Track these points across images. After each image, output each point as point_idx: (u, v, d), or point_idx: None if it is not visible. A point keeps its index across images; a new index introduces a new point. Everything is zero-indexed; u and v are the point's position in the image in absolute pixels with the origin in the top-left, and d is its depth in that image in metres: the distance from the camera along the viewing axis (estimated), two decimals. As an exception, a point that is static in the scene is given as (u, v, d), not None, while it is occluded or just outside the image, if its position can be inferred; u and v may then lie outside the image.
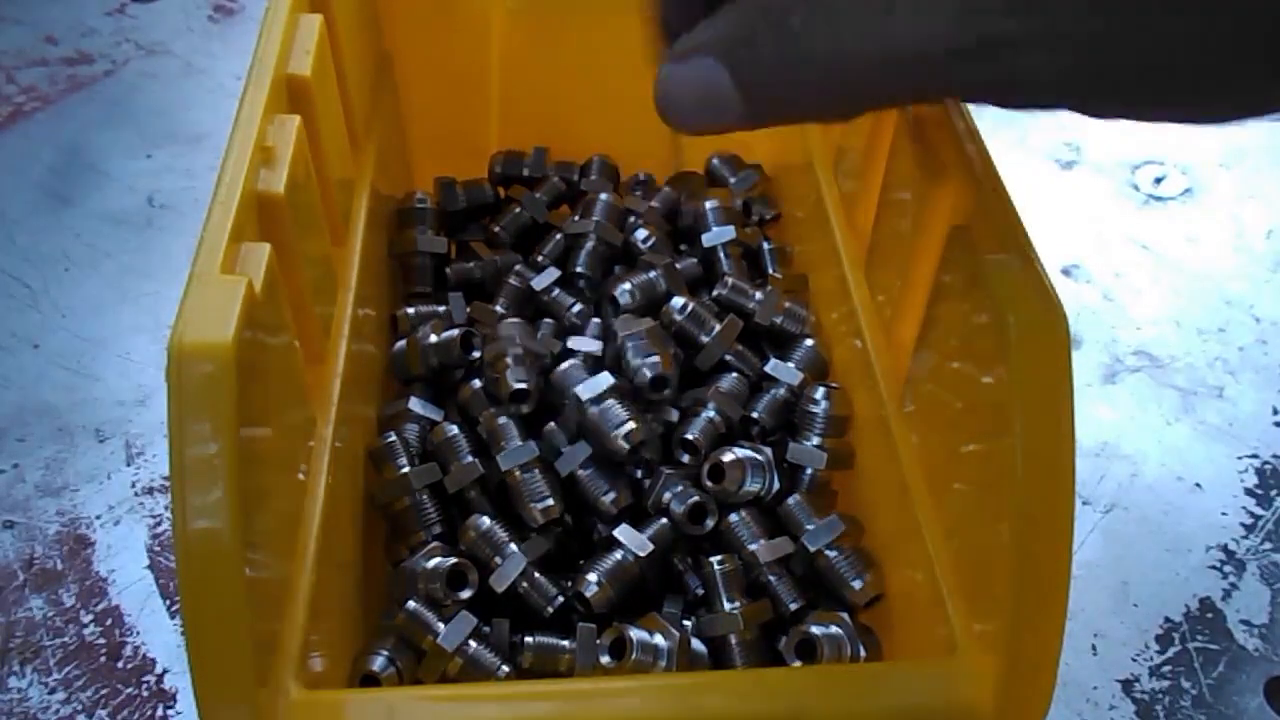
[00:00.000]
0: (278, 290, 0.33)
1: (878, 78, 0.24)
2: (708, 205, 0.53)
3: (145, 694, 0.47)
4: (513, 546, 0.40)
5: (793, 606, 0.40)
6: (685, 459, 0.43)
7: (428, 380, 0.48)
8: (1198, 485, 0.55)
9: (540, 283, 0.51)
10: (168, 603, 0.50)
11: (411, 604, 0.38)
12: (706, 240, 0.52)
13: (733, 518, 0.41)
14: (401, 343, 0.48)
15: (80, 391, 0.60)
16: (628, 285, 0.48)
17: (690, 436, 0.43)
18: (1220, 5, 0.21)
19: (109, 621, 0.49)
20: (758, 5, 0.25)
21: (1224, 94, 0.23)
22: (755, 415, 0.45)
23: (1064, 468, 0.28)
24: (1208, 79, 0.23)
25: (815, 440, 0.43)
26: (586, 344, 0.46)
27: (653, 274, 0.49)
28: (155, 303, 0.64)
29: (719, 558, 0.40)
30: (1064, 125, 0.76)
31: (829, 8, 0.24)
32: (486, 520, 0.40)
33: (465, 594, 0.38)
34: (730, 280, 0.49)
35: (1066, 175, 0.74)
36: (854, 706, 0.30)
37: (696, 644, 0.39)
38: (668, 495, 0.42)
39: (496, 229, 0.55)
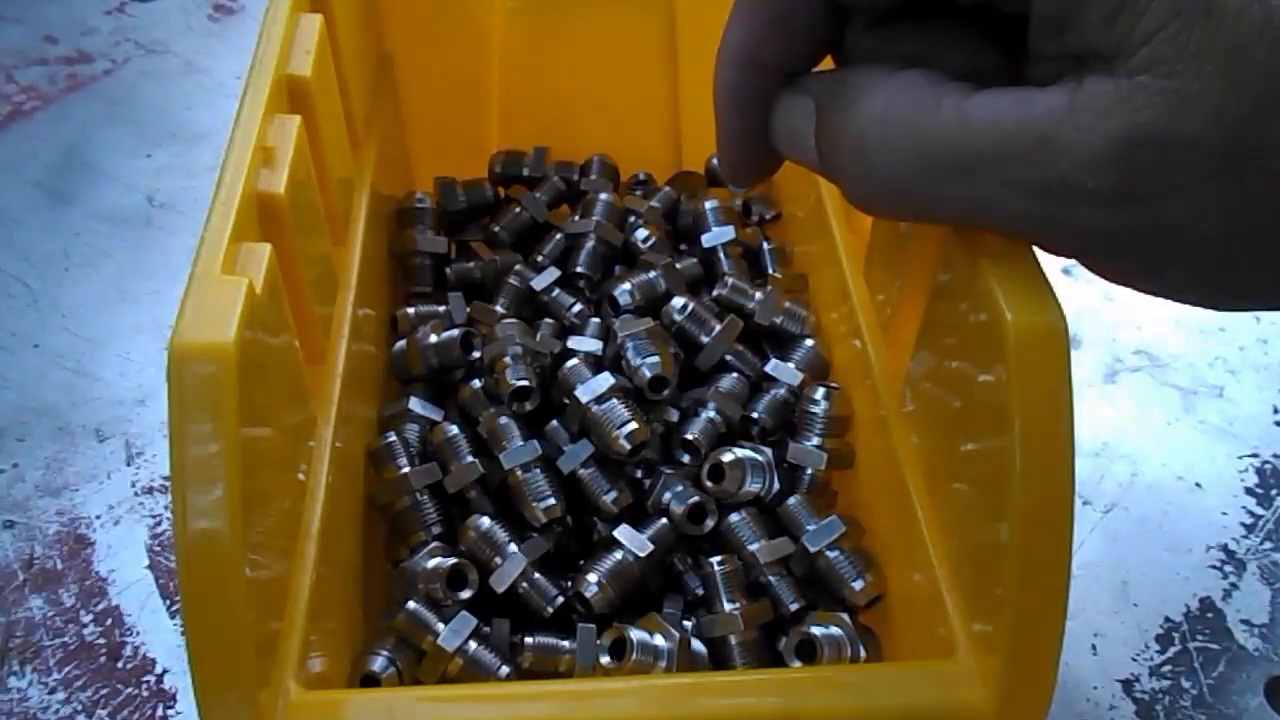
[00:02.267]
0: (278, 290, 0.33)
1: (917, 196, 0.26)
2: (708, 205, 0.53)
3: (145, 694, 0.47)
4: (513, 547, 0.40)
5: (793, 607, 0.40)
6: (685, 459, 0.43)
7: (428, 380, 0.48)
8: (1198, 485, 0.55)
9: (540, 283, 0.51)
10: (168, 603, 0.50)
11: (411, 604, 0.38)
12: (706, 240, 0.52)
13: (733, 518, 0.41)
14: (401, 343, 0.48)
15: (80, 391, 0.59)
16: (628, 285, 0.48)
17: (690, 436, 0.43)
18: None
19: (109, 621, 0.49)
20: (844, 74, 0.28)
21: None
22: (755, 415, 0.45)
23: (1064, 468, 0.28)
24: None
25: (815, 440, 0.43)
26: (586, 344, 0.46)
27: (653, 274, 0.49)
28: (155, 302, 0.64)
29: (719, 558, 0.40)
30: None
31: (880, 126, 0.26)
32: (486, 520, 0.40)
33: (465, 594, 0.38)
34: (730, 280, 0.49)
35: (1066, 175, 0.74)
36: (854, 707, 0.30)
37: (696, 644, 0.39)
38: (668, 495, 0.42)
39: (496, 229, 0.55)
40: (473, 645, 0.37)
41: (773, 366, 0.46)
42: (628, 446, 0.41)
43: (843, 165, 0.28)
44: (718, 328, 0.46)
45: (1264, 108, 0.21)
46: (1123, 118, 0.22)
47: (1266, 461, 0.56)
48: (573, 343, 0.46)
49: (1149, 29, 0.22)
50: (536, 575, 0.40)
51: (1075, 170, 0.23)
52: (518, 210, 0.56)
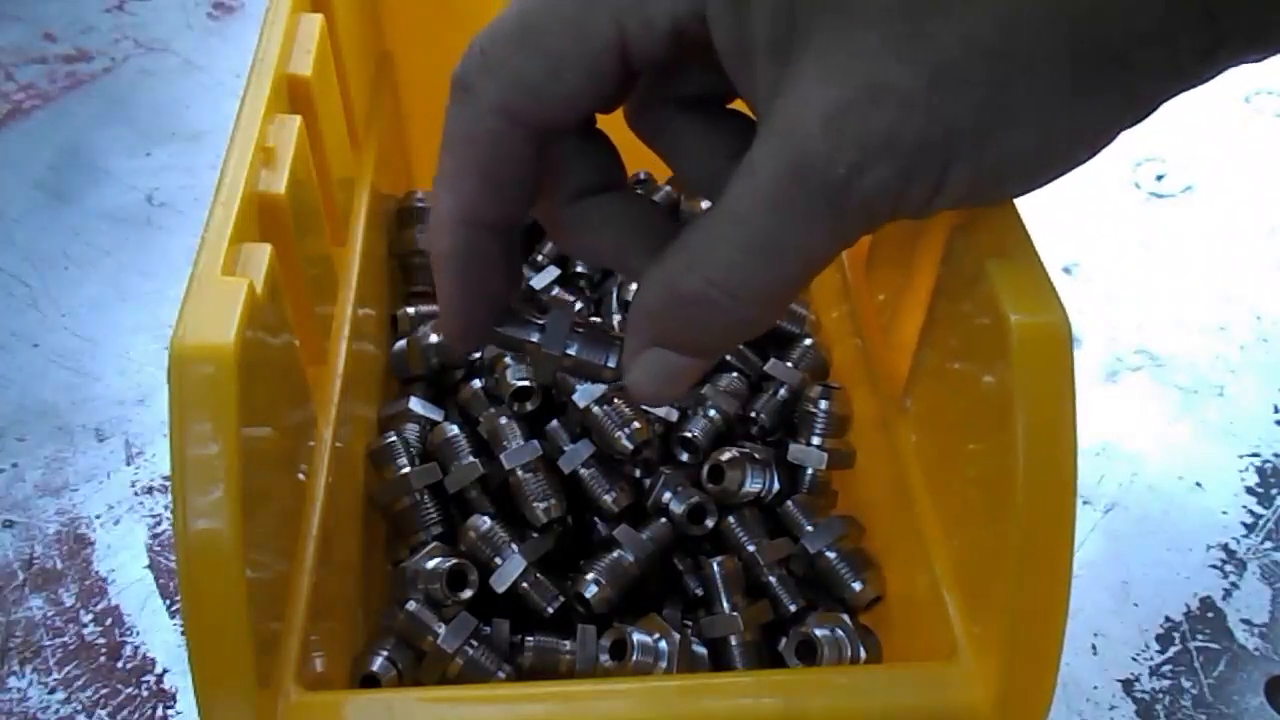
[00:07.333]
0: (278, 291, 0.33)
1: (773, 278, 0.26)
2: (707, 205, 0.52)
3: (145, 694, 0.47)
4: (513, 547, 0.40)
5: (793, 607, 0.40)
6: (685, 457, 0.43)
7: (428, 380, 0.48)
8: (1198, 484, 0.55)
9: (540, 282, 0.50)
10: (168, 603, 0.50)
11: (412, 604, 0.38)
12: (707, 240, 0.51)
13: (732, 518, 0.41)
14: (401, 343, 0.48)
15: (80, 391, 0.59)
16: (628, 284, 0.48)
17: (690, 434, 0.43)
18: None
19: (109, 621, 0.49)
20: (655, 290, 0.27)
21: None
22: (755, 415, 0.45)
23: (1066, 468, 0.28)
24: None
25: (815, 440, 0.43)
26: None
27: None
28: (155, 302, 0.64)
29: (719, 558, 0.40)
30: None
31: (703, 253, 0.27)
32: (487, 521, 0.40)
33: (465, 594, 0.38)
34: (730, 280, 0.49)
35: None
36: (854, 708, 0.30)
37: (696, 645, 0.39)
38: (668, 495, 0.42)
39: (496, 228, 0.55)
40: (473, 646, 0.37)
41: (772, 366, 0.46)
42: (630, 446, 0.41)
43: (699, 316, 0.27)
44: (718, 327, 0.46)
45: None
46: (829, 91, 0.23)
47: (1267, 461, 0.56)
48: (573, 342, 0.46)
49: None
50: (537, 575, 0.40)
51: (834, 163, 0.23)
52: (518, 210, 0.55)
